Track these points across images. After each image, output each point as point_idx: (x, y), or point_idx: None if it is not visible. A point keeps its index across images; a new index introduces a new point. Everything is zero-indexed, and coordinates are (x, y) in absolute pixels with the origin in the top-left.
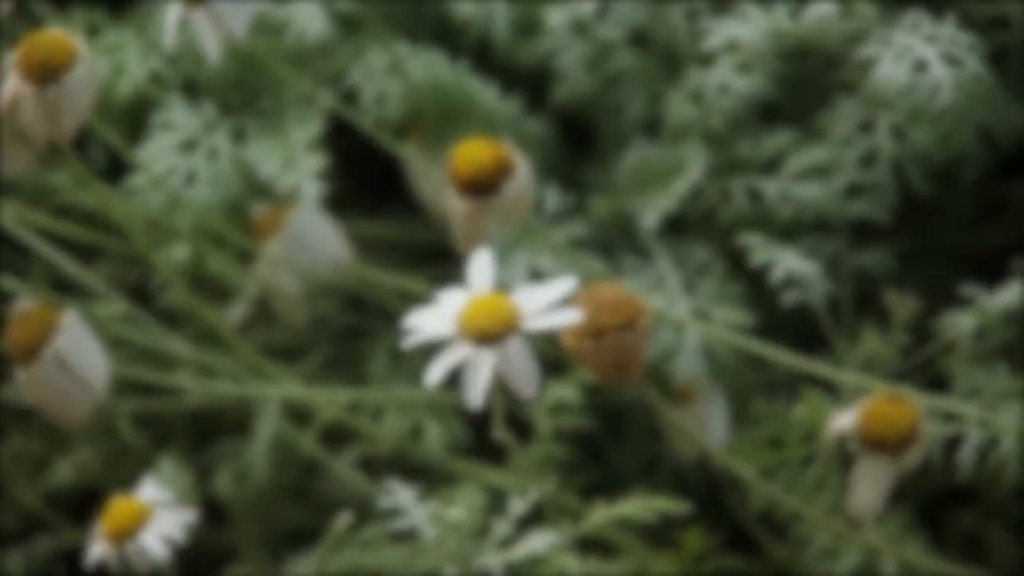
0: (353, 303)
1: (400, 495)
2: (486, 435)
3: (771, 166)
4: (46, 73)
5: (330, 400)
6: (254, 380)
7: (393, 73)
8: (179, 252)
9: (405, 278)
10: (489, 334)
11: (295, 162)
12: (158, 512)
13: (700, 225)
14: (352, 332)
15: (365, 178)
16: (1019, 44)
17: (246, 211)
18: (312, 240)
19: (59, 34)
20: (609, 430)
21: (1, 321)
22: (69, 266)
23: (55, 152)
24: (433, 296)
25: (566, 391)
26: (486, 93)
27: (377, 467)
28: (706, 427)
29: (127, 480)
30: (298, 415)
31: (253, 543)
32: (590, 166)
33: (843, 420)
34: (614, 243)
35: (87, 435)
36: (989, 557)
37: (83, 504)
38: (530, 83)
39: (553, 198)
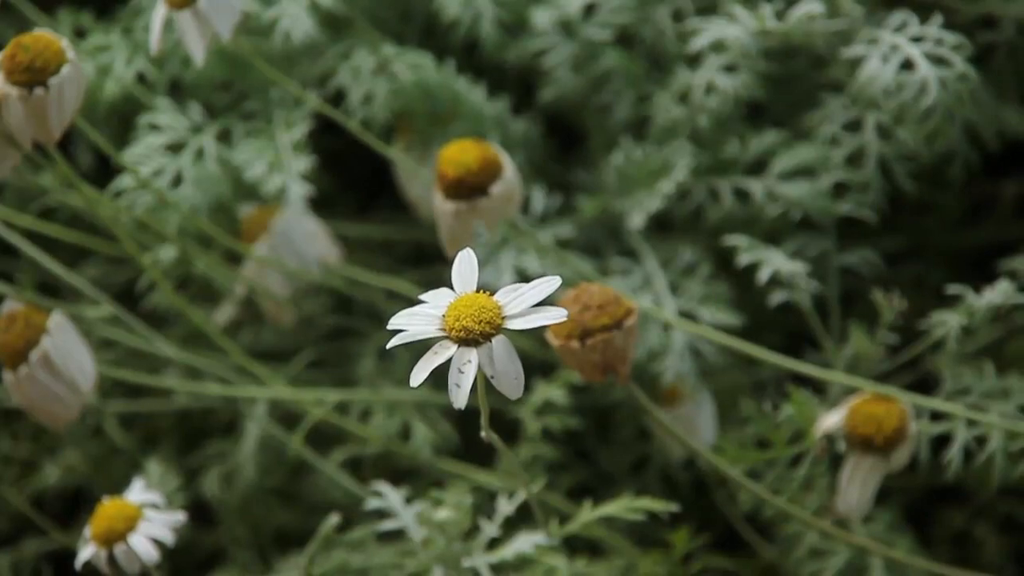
0: (340, 304)
1: (388, 496)
2: (474, 436)
3: (758, 166)
4: (33, 75)
5: (318, 401)
6: (242, 381)
7: (380, 74)
8: (166, 254)
9: (392, 279)
10: (474, 334)
11: (282, 163)
12: (146, 514)
13: (687, 225)
14: (339, 333)
15: (352, 179)
16: (1005, 44)
17: (233, 212)
18: (299, 241)
19: (46, 36)
20: (597, 430)
21: None
22: (56, 268)
23: (42, 154)
24: (419, 297)
25: (553, 391)
26: (473, 93)
27: (365, 468)
28: (694, 427)
29: (115, 482)
30: (286, 416)
31: (241, 544)
32: (577, 166)
33: (831, 420)
34: (601, 243)
35: (75, 437)
36: (977, 555)
37: (72, 506)
38: (517, 83)
39: (540, 198)
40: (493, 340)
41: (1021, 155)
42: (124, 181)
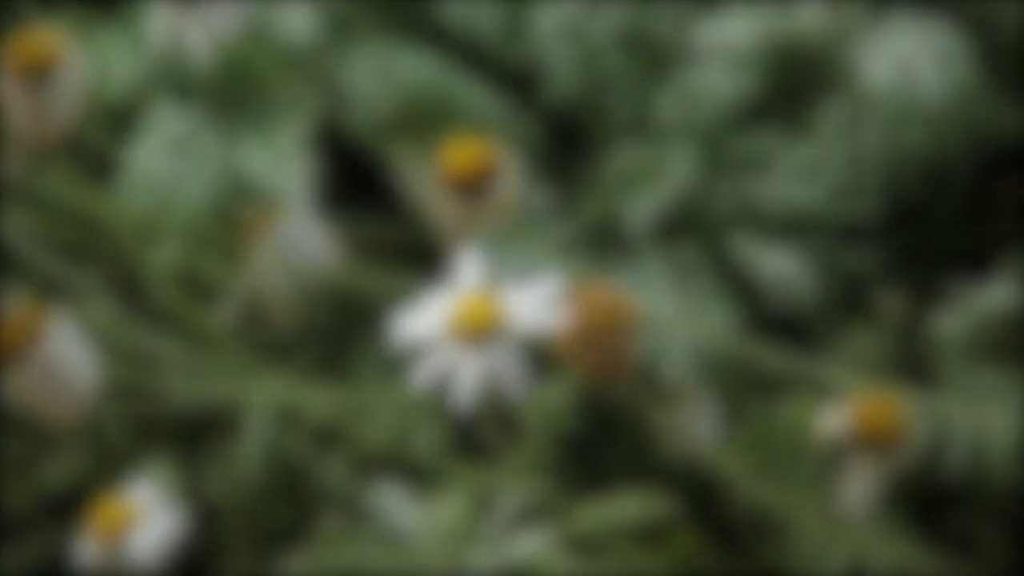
0: (342, 304)
1: (390, 495)
2: (476, 435)
3: (760, 166)
4: (34, 73)
5: (320, 400)
6: (244, 381)
7: (382, 73)
8: (168, 253)
9: (394, 279)
10: (477, 335)
11: (284, 163)
12: (147, 513)
13: (689, 225)
14: (341, 333)
15: (355, 179)
16: (1010, 45)
17: (235, 212)
18: (301, 241)
19: (47, 34)
20: (599, 430)
21: None
22: (57, 268)
23: (43, 153)
24: (421, 297)
25: (555, 391)
26: (475, 93)
27: (367, 467)
28: (696, 427)
29: (116, 481)
30: (288, 416)
31: (243, 543)
32: (578, 166)
33: (833, 420)
34: (603, 243)
35: (75, 437)
36: (981, 557)
37: (72, 506)
38: (519, 83)
39: (542, 198)
40: (496, 340)
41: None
42: (126, 180)
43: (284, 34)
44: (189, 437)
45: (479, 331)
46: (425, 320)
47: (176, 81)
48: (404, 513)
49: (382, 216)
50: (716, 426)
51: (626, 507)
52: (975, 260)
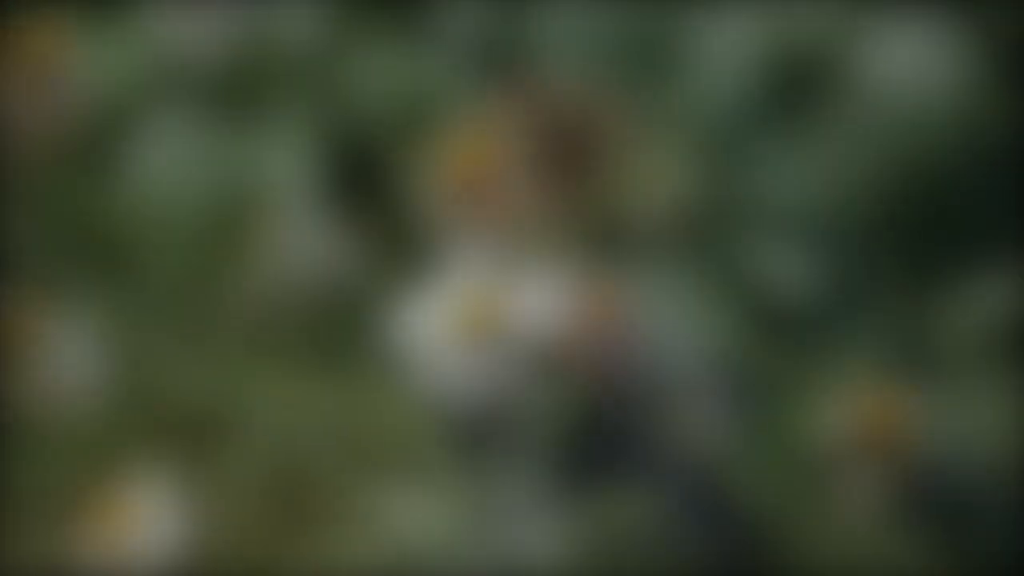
0: (342, 303)
1: (390, 495)
2: (476, 435)
3: (764, 166)
4: (34, 73)
5: (320, 400)
6: (246, 379)
7: (384, 74)
8: (171, 252)
9: (394, 278)
10: (478, 334)
11: (285, 163)
12: (148, 512)
13: (692, 225)
14: (344, 332)
15: (355, 179)
16: (1010, 45)
17: (237, 211)
18: (302, 240)
19: (47, 34)
20: (602, 430)
21: None
22: (57, 266)
23: (43, 153)
24: (421, 296)
25: (555, 391)
26: (475, 93)
27: (367, 467)
28: (698, 427)
29: (116, 483)
30: (289, 414)
31: (243, 543)
32: (581, 166)
33: (835, 419)
34: (605, 243)
35: (75, 437)
36: (981, 557)
37: (72, 508)
38: (520, 84)
39: (542, 199)
40: (497, 339)
41: None
42: (128, 179)
43: (286, 35)
44: (192, 436)
45: (480, 331)
46: (425, 319)
47: (177, 81)
48: (403, 512)
49: (382, 216)
50: (718, 426)
51: (627, 507)
52: (975, 260)
